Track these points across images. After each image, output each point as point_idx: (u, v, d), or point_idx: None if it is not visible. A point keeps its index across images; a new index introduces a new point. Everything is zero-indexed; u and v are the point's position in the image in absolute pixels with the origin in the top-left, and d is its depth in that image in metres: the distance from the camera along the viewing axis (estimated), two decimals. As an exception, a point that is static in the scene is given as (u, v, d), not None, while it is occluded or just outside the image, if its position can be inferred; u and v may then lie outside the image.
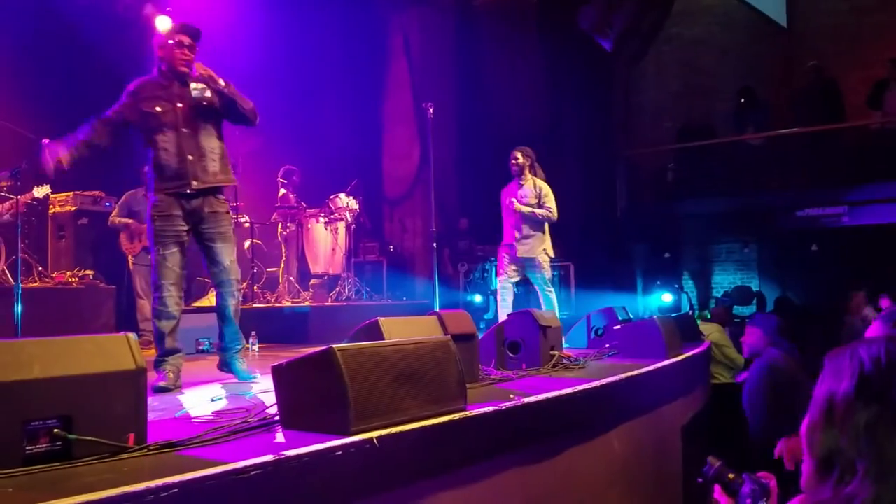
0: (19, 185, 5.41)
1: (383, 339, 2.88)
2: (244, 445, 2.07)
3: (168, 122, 3.75)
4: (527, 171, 6.43)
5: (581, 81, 10.30)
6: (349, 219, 8.10)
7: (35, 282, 6.56)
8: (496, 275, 6.72)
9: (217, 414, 2.68)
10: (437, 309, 5.83)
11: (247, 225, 7.93)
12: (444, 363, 2.47)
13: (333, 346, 2.15)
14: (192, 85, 3.82)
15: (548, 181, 6.49)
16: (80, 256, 7.26)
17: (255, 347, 6.15)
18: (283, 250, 7.92)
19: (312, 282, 8.08)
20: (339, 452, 1.98)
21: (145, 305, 6.72)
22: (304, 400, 2.23)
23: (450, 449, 2.34)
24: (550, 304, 6.38)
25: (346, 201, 8.10)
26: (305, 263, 8.18)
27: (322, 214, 7.97)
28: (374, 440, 2.06)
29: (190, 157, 3.74)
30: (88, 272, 7.03)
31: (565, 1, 10.24)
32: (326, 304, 7.69)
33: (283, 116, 8.85)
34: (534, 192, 6.38)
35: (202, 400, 3.24)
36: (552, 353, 4.05)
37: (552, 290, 6.49)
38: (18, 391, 1.76)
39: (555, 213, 6.36)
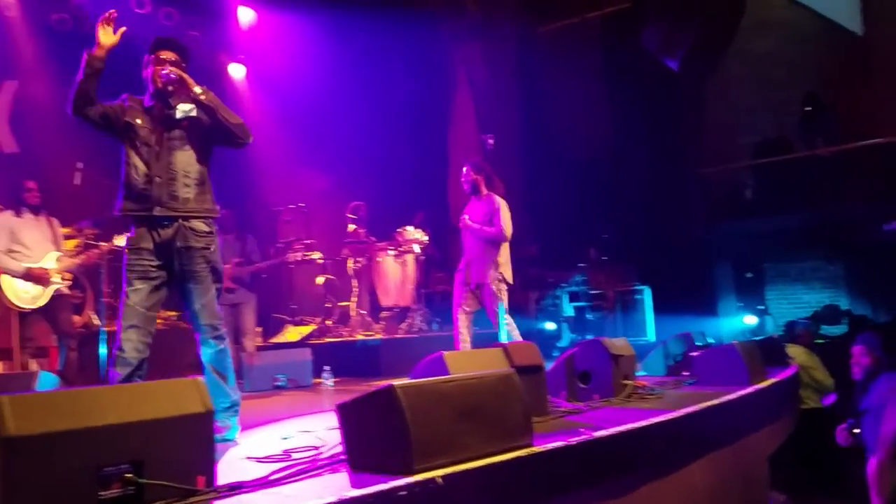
0: (102, 233, 5.69)
1: (448, 373, 2.86)
2: (309, 487, 2.08)
3: (142, 137, 3.43)
4: (482, 187, 5.86)
5: (647, 101, 10.14)
6: (418, 251, 8.16)
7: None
8: (453, 307, 6.00)
9: (286, 452, 2.71)
10: (503, 338, 5.78)
11: (320, 261, 8.08)
12: (508, 397, 2.44)
13: (394, 383, 2.15)
14: (180, 107, 3.48)
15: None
16: (165, 299, 7.55)
17: (330, 382, 6.23)
18: (355, 284, 8.03)
19: (383, 314, 8.15)
20: (404, 493, 1.96)
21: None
22: (368, 438, 2.23)
23: (517, 487, 2.29)
24: (509, 337, 5.63)
25: (414, 233, 8.17)
26: (376, 296, 8.26)
27: (391, 247, 8.05)
28: (438, 479, 2.04)
29: (157, 179, 3.37)
30: (171, 314, 7.30)
31: (629, 22, 10.15)
32: (397, 336, 7.73)
33: (351, 154, 9.06)
34: (486, 209, 5.82)
35: (273, 438, 3.29)
36: (625, 382, 3.93)
37: (510, 322, 5.63)
38: (93, 437, 1.82)
39: (505, 231, 5.63)
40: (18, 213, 5.37)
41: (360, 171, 8.82)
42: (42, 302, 5.26)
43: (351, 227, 8.12)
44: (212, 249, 3.44)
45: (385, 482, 1.95)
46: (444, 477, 2.05)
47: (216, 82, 9.46)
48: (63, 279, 5.41)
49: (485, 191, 5.86)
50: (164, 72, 3.41)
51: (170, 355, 6.81)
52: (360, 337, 7.62)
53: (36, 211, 5.44)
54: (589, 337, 8.13)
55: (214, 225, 3.52)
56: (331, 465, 2.31)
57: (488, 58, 10.08)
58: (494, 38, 10.01)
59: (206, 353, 3.47)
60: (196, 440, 2.03)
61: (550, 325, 8.81)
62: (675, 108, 10.98)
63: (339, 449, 2.38)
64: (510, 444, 2.34)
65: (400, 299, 8.11)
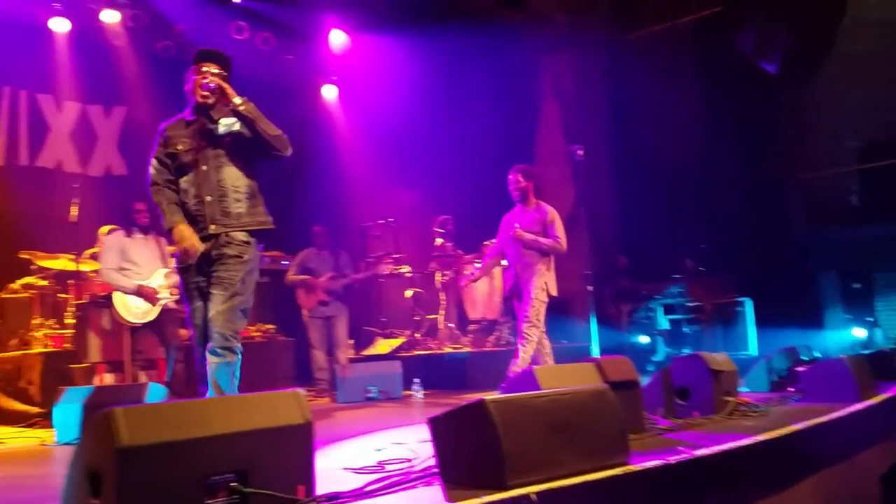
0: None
1: (539, 387, 2.83)
2: (403, 499, 2.11)
3: (188, 162, 3.43)
4: (531, 195, 5.67)
5: (742, 106, 9.78)
6: (505, 263, 8.13)
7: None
8: (517, 322, 5.79)
9: (381, 464, 2.74)
10: (596, 352, 5.68)
11: (409, 275, 8.20)
12: (603, 413, 2.39)
13: (485, 397, 2.14)
14: (222, 121, 3.47)
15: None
16: (262, 312, 7.83)
17: (420, 394, 6.29)
18: (443, 297, 8.09)
19: (471, 327, 8.17)
20: (497, 508, 1.95)
21: (319, 356, 7.11)
22: (460, 452, 2.24)
23: (613, 505, 2.24)
24: (522, 361, 5.31)
25: (501, 246, 8.16)
26: (464, 309, 8.30)
27: (478, 260, 8.07)
28: (533, 495, 2.02)
29: (208, 199, 3.38)
30: (270, 327, 7.56)
31: (722, 26, 9.84)
32: (485, 349, 7.73)
33: (438, 169, 9.15)
34: (538, 218, 5.61)
35: (367, 449, 3.34)
36: (727, 399, 3.78)
37: (531, 339, 5.35)
38: (200, 447, 1.90)
39: (563, 243, 5.51)
40: (129, 233, 5.70)
41: (447, 186, 8.90)
42: (151, 317, 5.55)
43: (438, 240, 8.20)
44: (244, 259, 3.36)
45: (478, 497, 1.95)
46: (538, 494, 2.02)
47: (310, 103, 9.81)
48: (170, 294, 5.70)
49: (534, 199, 5.67)
50: (204, 81, 3.43)
51: (266, 366, 7.06)
52: (448, 350, 7.67)
53: (145, 231, 5.75)
54: (686, 351, 7.89)
55: (257, 240, 3.48)
56: (424, 478, 2.32)
57: (576, 67, 9.98)
58: (582, 48, 9.91)
59: (210, 363, 3.32)
60: (296, 450, 2.08)
61: (644, 339, 8.59)
62: (773, 112, 10.53)
63: (432, 462, 2.39)
64: (606, 462, 2.29)
65: (487, 312, 8.11)
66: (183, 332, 6.57)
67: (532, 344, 5.35)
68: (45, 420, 5.42)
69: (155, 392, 4.24)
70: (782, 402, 4.23)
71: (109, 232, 6.53)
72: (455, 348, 7.69)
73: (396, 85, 9.03)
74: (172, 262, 6.04)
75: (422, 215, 8.75)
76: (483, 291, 8.08)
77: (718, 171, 9.42)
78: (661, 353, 8.46)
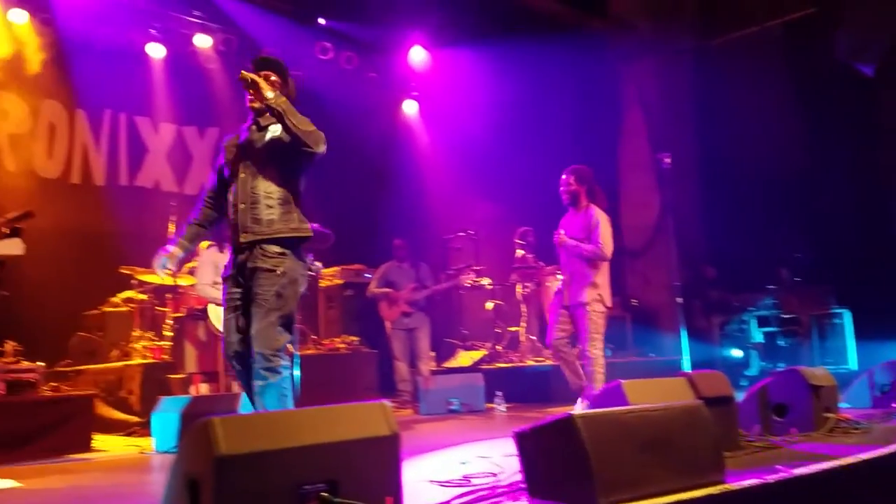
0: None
1: (627, 402, 2.77)
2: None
3: (232, 171, 3.41)
4: (582, 199, 5.33)
5: (839, 110, 9.33)
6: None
7: (310, 348, 7.31)
8: (548, 329, 5.58)
9: (466, 478, 2.74)
10: (686, 366, 5.51)
11: (489, 287, 8.18)
12: (696, 430, 2.31)
13: (573, 412, 2.11)
14: (271, 128, 3.41)
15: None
16: (346, 324, 8.00)
17: (503, 407, 6.26)
18: (524, 310, 8.03)
19: (555, 340, 8.07)
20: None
21: (402, 367, 7.18)
22: (548, 468, 2.21)
23: (709, 526, 2.15)
24: (592, 380, 5.07)
25: (585, 258, 8.05)
26: (545, 322, 8.20)
27: (559, 272, 7.99)
28: (624, 514, 1.97)
29: (241, 206, 3.29)
30: (354, 338, 7.70)
31: (815, 28, 9.44)
32: (570, 362, 7.61)
33: (519, 180, 9.12)
34: (584, 222, 5.26)
35: (452, 463, 3.34)
36: (827, 415, 3.60)
37: (598, 357, 5.13)
38: (293, 457, 1.95)
39: (606, 249, 5.13)
40: (221, 249, 5.91)
41: (527, 197, 8.85)
42: (242, 328, 5.73)
43: (519, 252, 8.15)
44: (279, 272, 3.21)
45: (568, 514, 1.92)
46: (629, 512, 1.98)
47: (391, 119, 9.99)
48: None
49: (585, 203, 5.34)
50: (249, 95, 3.37)
51: (350, 377, 7.19)
52: (530, 363, 7.60)
53: (234, 245, 5.95)
54: (781, 366, 7.58)
55: (300, 250, 3.33)
56: (510, 493, 2.30)
57: (660, 74, 9.78)
58: (666, 54, 9.71)
59: (256, 386, 3.22)
60: (384, 462, 2.10)
61: (737, 353, 8.28)
62: (873, 115, 10.03)
63: (518, 477, 2.37)
64: (700, 480, 2.21)
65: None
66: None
67: (599, 361, 5.13)
68: (143, 429, 5.68)
69: (247, 402, 4.38)
70: (886, 418, 4.02)
71: (210, 248, 6.83)
72: (537, 361, 7.62)
73: (476, 97, 9.08)
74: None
75: (502, 227, 8.73)
76: (566, 304, 7.98)
77: (815, 178, 9.02)
78: (755, 367, 8.14)
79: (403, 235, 7.53)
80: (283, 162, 3.34)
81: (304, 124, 3.28)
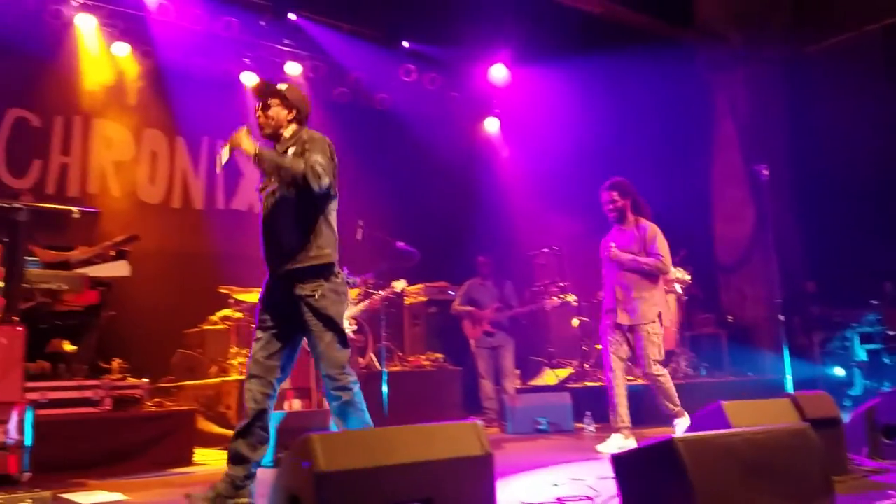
0: (382, 283, 6.25)
1: (729, 425, 2.67)
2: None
3: (262, 196, 3.44)
4: (629, 213, 5.09)
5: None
6: (680, 291, 7.79)
7: (396, 365, 7.40)
8: (603, 354, 5.18)
9: (560, 500, 2.70)
10: (788, 385, 5.27)
11: (575, 304, 8.06)
12: (803, 454, 2.21)
13: (674, 436, 2.05)
14: (289, 150, 3.36)
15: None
16: (430, 342, 8.05)
17: (592, 428, 6.14)
18: (613, 327, 7.88)
19: (645, 358, 7.87)
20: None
21: (487, 385, 7.16)
22: (647, 492, 2.15)
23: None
24: (669, 398, 4.89)
25: (676, 273, 7.82)
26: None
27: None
28: (728, 541, 1.90)
29: (267, 237, 3.37)
30: (438, 356, 7.74)
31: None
32: (662, 381, 7.40)
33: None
34: (637, 236, 4.99)
35: (544, 484, 3.30)
36: (944, 439, 3.36)
37: (664, 374, 4.92)
38: (389, 474, 1.98)
39: (667, 262, 4.92)
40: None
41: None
42: (333, 346, 5.87)
43: (607, 268, 8.02)
44: (317, 296, 3.23)
45: (669, 540, 1.86)
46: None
47: (473, 137, 10.07)
48: (349, 325, 6.00)
49: (632, 217, 5.12)
50: (259, 122, 3.42)
51: (435, 394, 7.22)
52: (620, 381, 7.42)
53: (326, 265, 6.11)
54: (887, 385, 7.16)
55: (332, 273, 3.30)
56: (608, 516, 2.26)
57: (751, 84, 9.49)
58: (757, 64, 9.40)
59: (332, 408, 3.29)
60: (477, 481, 2.11)
61: (839, 372, 7.85)
62: None
63: (615, 501, 2.32)
64: (809, 508, 2.11)
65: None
66: (360, 360, 6.90)
67: (668, 379, 4.94)
68: (241, 442, 5.87)
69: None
70: None
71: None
72: (628, 381, 7.43)
73: (558, 112, 9.04)
74: (351, 295, 6.39)
75: (587, 242, 8.60)
76: (656, 321, 7.78)
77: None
78: (859, 386, 7.70)
79: (487, 252, 7.55)
80: (298, 193, 3.28)
81: (292, 169, 3.20)
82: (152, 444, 4.98)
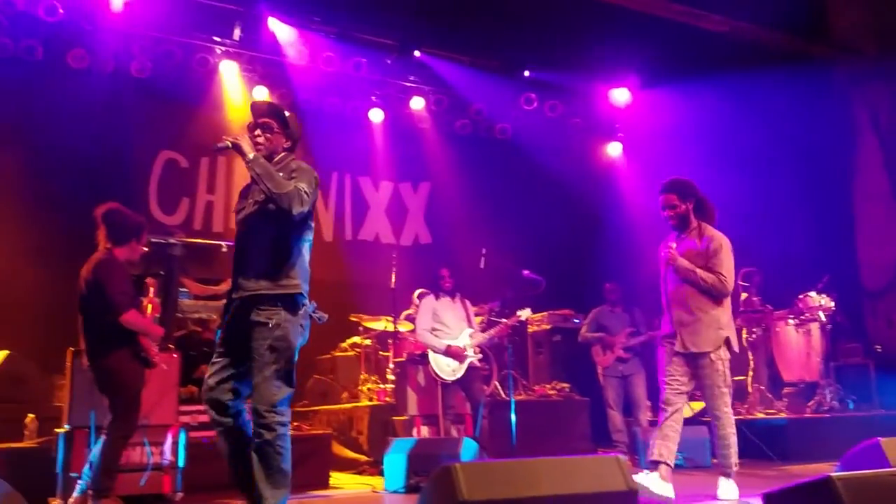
0: (506, 311, 6.28)
1: (888, 463, 2.48)
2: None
3: (237, 219, 3.41)
4: (692, 218, 4.31)
5: None
6: (823, 318, 7.33)
7: (521, 394, 7.37)
8: (659, 383, 4.34)
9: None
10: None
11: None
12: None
13: (832, 474, 1.94)
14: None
15: None
16: (555, 370, 7.96)
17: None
18: (751, 357, 7.50)
19: (786, 390, 7.43)
20: None
21: (616, 416, 6.97)
22: (803, 534, 2.03)
23: None
24: (725, 446, 4.19)
25: (819, 299, 7.37)
26: (776, 370, 7.59)
27: (791, 316, 7.38)
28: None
29: (238, 256, 3.31)
30: (565, 385, 7.64)
31: None
32: (805, 415, 6.96)
33: (739, 218, 8.64)
34: (700, 248, 4.21)
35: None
36: None
37: (729, 410, 4.17)
38: (530, 506, 1.98)
39: (728, 282, 4.12)
40: (438, 297, 6.20)
41: (749, 234, 8.37)
42: (459, 374, 5.94)
43: (744, 295, 7.66)
44: (271, 325, 3.12)
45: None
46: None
47: (596, 162, 9.96)
48: (474, 353, 6.05)
49: (695, 223, 4.32)
50: (254, 142, 3.35)
51: (562, 425, 7.12)
52: (760, 415, 7.04)
53: (451, 294, 6.21)
54: None
55: (294, 304, 3.21)
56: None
57: (893, 98, 8.87)
58: (898, 76, 8.80)
59: (253, 442, 3.13)
60: (620, 518, 2.07)
61: None
62: None
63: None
64: None
65: (805, 374, 7.33)
66: (485, 388, 6.93)
67: (732, 421, 4.27)
68: (372, 467, 6.04)
69: (468, 447, 4.51)
70: None
71: (421, 295, 7.21)
72: (768, 414, 7.05)
73: (685, 134, 8.80)
74: (478, 321, 6.46)
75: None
76: (799, 350, 7.35)
77: None
78: None
79: (614, 279, 7.40)
80: (274, 218, 3.23)
81: (280, 186, 3.16)
82: (293, 466, 5.17)
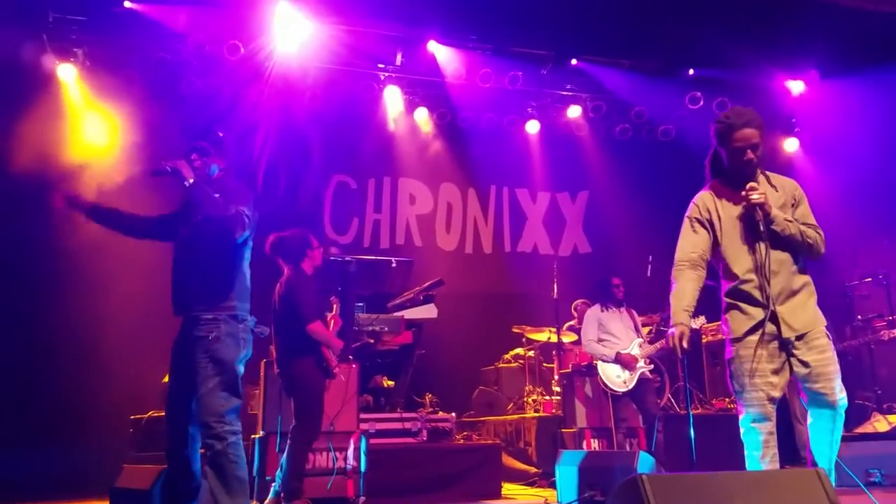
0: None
1: None
2: None
3: (178, 237, 3.44)
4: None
5: None
6: None
7: (697, 408, 7.02)
8: (731, 387, 3.34)
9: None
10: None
11: None
12: None
13: None
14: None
15: None
16: (723, 386, 7.51)
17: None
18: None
19: None
20: None
21: (804, 430, 6.47)
22: None
23: None
24: (825, 452, 3.30)
25: None
26: None
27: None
28: None
29: (178, 278, 3.34)
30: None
31: None
32: None
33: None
34: (780, 194, 3.19)
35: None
36: None
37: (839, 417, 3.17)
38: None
39: (821, 240, 3.12)
40: (604, 307, 6.07)
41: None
42: (631, 385, 5.77)
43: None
44: (211, 338, 3.17)
45: None
46: None
47: (772, 159, 9.32)
48: (645, 364, 5.86)
49: (760, 174, 3.25)
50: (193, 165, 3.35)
51: (733, 439, 6.67)
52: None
53: (619, 304, 6.07)
54: None
55: (233, 319, 3.25)
56: None
57: None
58: None
59: (205, 455, 3.15)
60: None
61: None
62: None
63: None
64: None
65: None
66: (658, 401, 6.67)
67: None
68: (541, 479, 6.00)
69: (644, 461, 4.36)
70: None
71: (580, 305, 7.11)
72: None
73: (871, 127, 8.05)
74: (645, 332, 6.25)
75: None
76: None
77: None
78: None
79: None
80: (213, 239, 3.29)
81: (220, 210, 3.21)
82: (466, 475, 5.30)
